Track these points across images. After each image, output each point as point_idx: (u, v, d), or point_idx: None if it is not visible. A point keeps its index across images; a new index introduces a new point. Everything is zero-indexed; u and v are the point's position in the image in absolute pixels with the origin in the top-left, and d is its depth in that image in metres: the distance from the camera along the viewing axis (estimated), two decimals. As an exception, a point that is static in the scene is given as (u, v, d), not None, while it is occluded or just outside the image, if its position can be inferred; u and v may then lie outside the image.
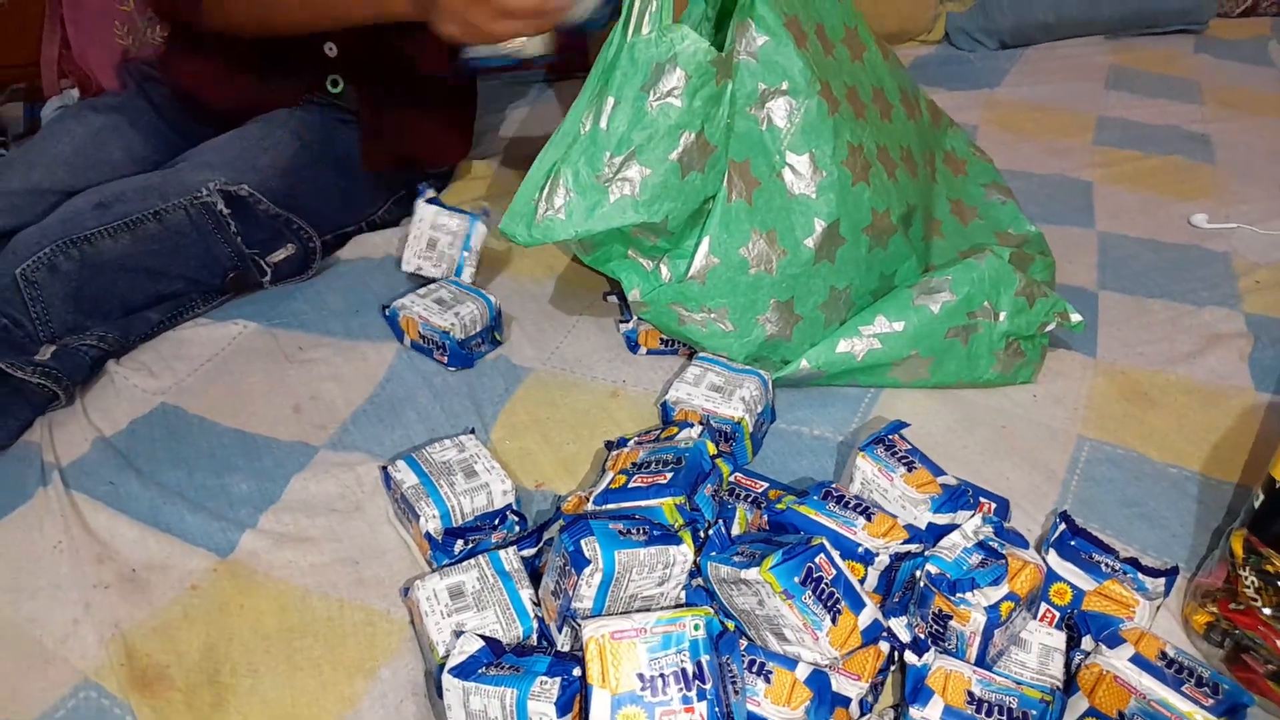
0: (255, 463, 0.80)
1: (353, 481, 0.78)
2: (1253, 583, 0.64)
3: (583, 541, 0.58)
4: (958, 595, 0.58)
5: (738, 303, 0.84)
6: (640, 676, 0.53)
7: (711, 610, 0.55)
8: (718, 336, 0.85)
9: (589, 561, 0.57)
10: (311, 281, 1.02)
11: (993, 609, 0.58)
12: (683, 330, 0.87)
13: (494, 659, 0.57)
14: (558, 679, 0.54)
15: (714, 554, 0.61)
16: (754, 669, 0.58)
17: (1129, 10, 1.67)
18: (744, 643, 0.60)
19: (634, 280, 0.86)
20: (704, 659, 0.53)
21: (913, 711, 0.57)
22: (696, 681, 0.52)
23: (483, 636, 0.58)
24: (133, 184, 0.95)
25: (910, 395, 0.89)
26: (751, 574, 0.56)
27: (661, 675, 0.53)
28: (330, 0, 0.92)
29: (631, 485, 0.66)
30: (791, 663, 0.58)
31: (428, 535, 0.69)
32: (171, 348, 0.92)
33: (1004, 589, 0.59)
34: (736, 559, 0.59)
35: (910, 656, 0.59)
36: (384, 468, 0.75)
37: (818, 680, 0.57)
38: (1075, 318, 0.87)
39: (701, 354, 0.86)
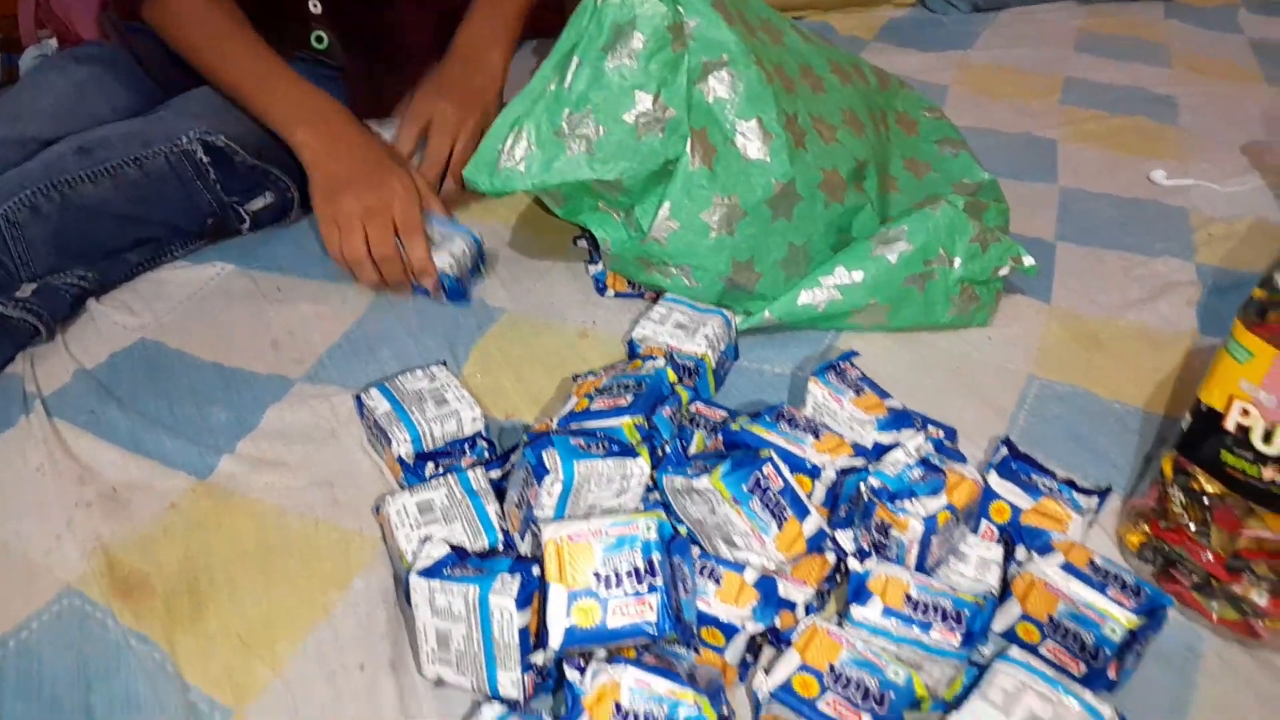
0: (233, 394, 0.83)
1: (328, 411, 0.81)
2: (1180, 500, 0.67)
3: (544, 453, 0.61)
4: (897, 504, 0.61)
5: (700, 263, 0.86)
6: (595, 574, 0.56)
7: (664, 515, 0.59)
8: (682, 289, 0.89)
9: (549, 471, 0.60)
10: (290, 227, 1.04)
11: (930, 518, 0.61)
12: (650, 279, 0.89)
13: (459, 562, 0.60)
14: (518, 576, 0.57)
15: (670, 468, 0.64)
16: (705, 573, 0.61)
17: (1101, -25, 1.69)
18: (696, 550, 0.63)
19: (605, 231, 0.89)
20: (655, 557, 0.56)
21: (854, 611, 0.61)
22: (648, 577, 0.56)
23: (449, 544, 0.61)
24: (115, 130, 0.96)
25: (869, 336, 0.92)
26: (702, 483, 0.60)
27: (615, 572, 0.56)
28: (245, 95, 0.98)
29: (594, 408, 0.69)
30: (740, 567, 0.61)
31: (400, 459, 0.72)
32: (151, 287, 0.94)
33: (942, 500, 0.62)
34: (690, 471, 0.62)
35: (853, 563, 0.63)
36: (357, 396, 0.78)
37: (765, 584, 0.61)
38: (1028, 261, 0.91)
39: (668, 295, 0.89)
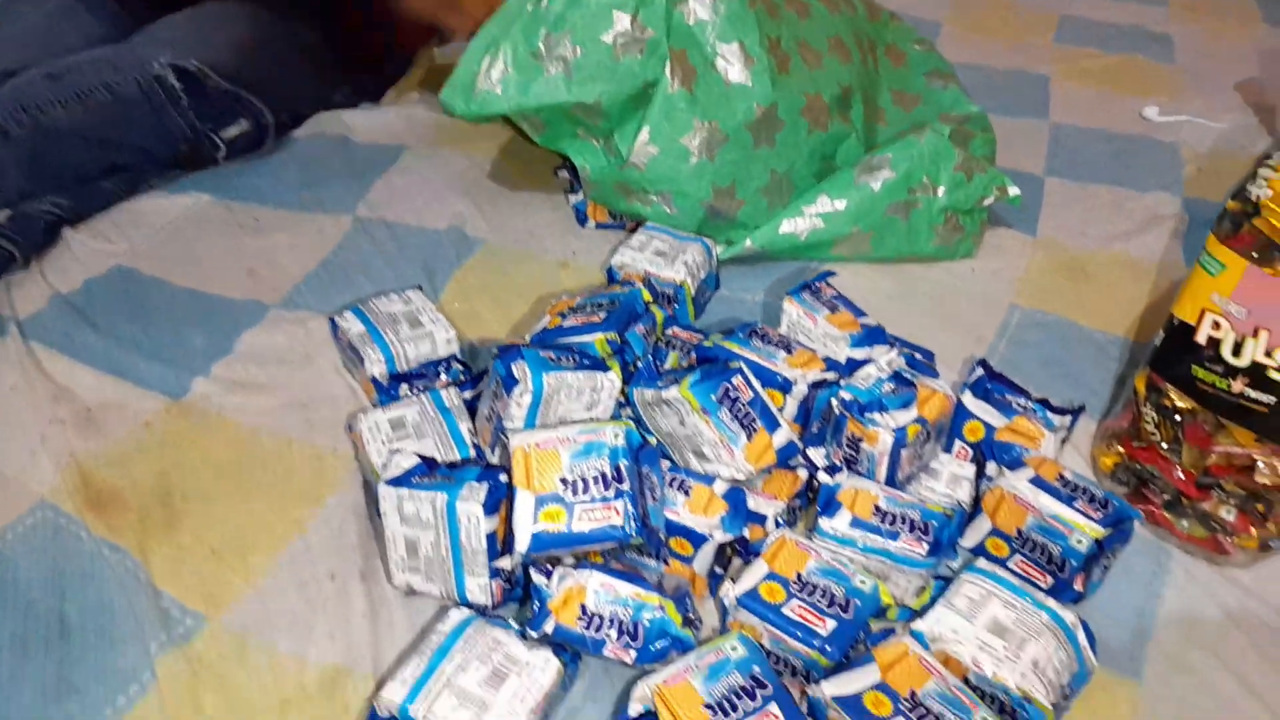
0: (208, 319, 0.82)
1: (303, 335, 0.81)
2: (1152, 418, 0.67)
3: (513, 365, 0.60)
4: (867, 417, 0.61)
5: (680, 189, 0.85)
6: (562, 480, 0.56)
7: (632, 423, 0.59)
8: (662, 217, 0.88)
9: (518, 382, 0.60)
10: (267, 158, 1.03)
11: (900, 430, 0.61)
12: (630, 208, 0.89)
13: (427, 471, 0.60)
14: (486, 483, 0.57)
15: (641, 382, 0.63)
16: (674, 484, 0.61)
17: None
18: (666, 463, 0.63)
19: (584, 158, 0.88)
20: (623, 464, 0.56)
21: (822, 522, 0.61)
22: (615, 483, 0.56)
23: (418, 454, 0.61)
24: (85, 57, 0.95)
25: (852, 267, 0.91)
26: (671, 393, 0.60)
27: (582, 478, 0.56)
28: None
29: (566, 325, 0.69)
30: (710, 480, 0.61)
31: (373, 379, 0.72)
32: (127, 216, 0.94)
33: (912, 413, 0.62)
34: (660, 383, 0.62)
35: (824, 476, 0.63)
36: (332, 318, 0.77)
37: (734, 496, 0.61)
38: (1013, 191, 0.90)
39: (649, 223, 0.88)
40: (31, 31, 1.03)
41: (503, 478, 0.58)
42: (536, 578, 0.56)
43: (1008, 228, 0.97)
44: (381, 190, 0.98)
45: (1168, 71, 1.29)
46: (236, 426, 0.73)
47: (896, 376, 0.64)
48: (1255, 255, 0.57)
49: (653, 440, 0.59)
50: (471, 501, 0.56)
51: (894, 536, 0.60)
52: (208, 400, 0.74)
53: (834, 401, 0.63)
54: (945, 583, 0.60)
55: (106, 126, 0.92)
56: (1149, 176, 1.06)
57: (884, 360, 0.65)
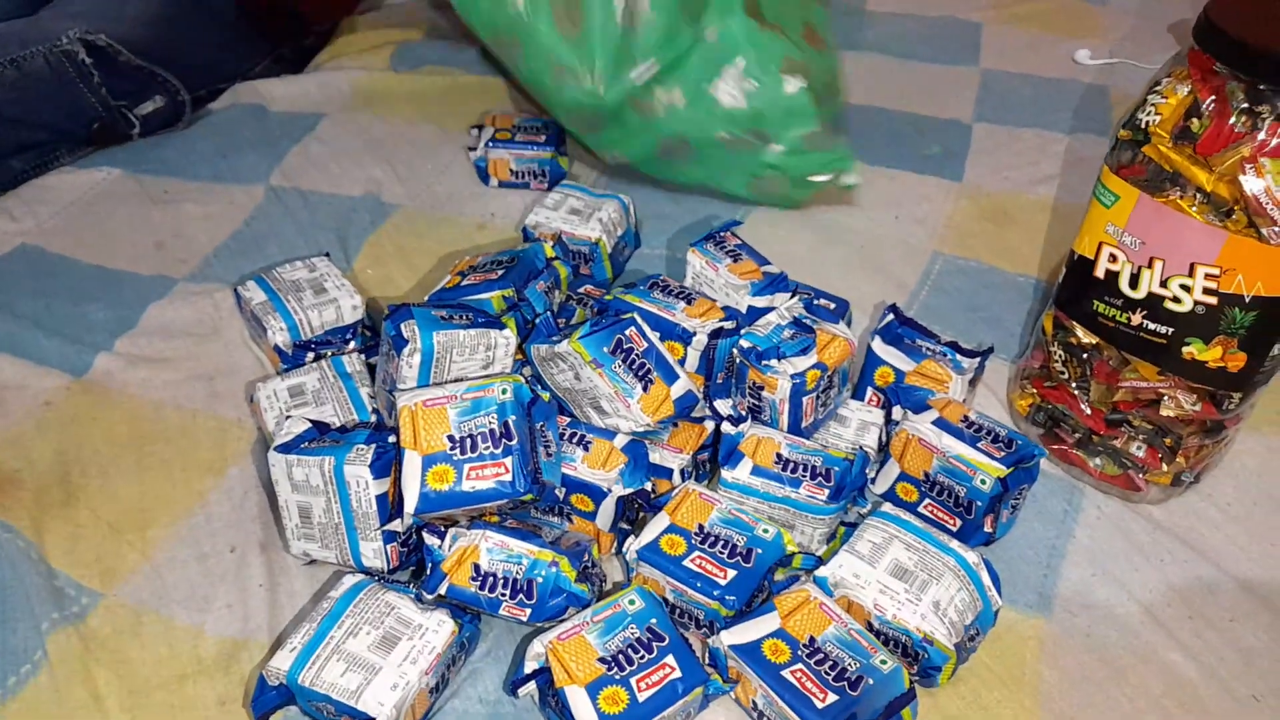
0: (113, 294, 0.80)
1: (210, 308, 0.79)
2: (1060, 357, 0.67)
3: (402, 325, 0.59)
4: (765, 364, 0.60)
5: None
6: (450, 438, 0.55)
7: (522, 378, 0.58)
8: (567, 45, 0.83)
9: (408, 342, 0.58)
10: (182, 132, 1.00)
11: (798, 375, 0.60)
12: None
13: (317, 437, 0.59)
14: (373, 445, 0.56)
15: (538, 338, 0.62)
16: (574, 440, 0.60)
17: None
18: (565, 420, 0.62)
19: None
20: (511, 420, 0.55)
21: (724, 473, 0.60)
22: (504, 440, 0.55)
23: (311, 420, 0.60)
24: None
25: (774, 217, 0.90)
26: (563, 346, 0.59)
27: (470, 436, 0.55)
28: None
29: (464, 284, 0.67)
30: (611, 434, 0.60)
31: (277, 348, 0.71)
32: (34, 193, 0.91)
33: (812, 358, 0.61)
34: (553, 339, 0.61)
35: (727, 427, 0.62)
36: (235, 288, 0.75)
37: (634, 449, 0.60)
38: (849, 180, 0.88)
39: (565, 182, 0.87)
40: None
41: (391, 439, 0.56)
42: (429, 539, 0.55)
43: (934, 175, 0.96)
44: (297, 159, 0.96)
45: (1099, 13, 1.27)
46: (139, 401, 0.71)
47: (796, 323, 0.63)
48: (1146, 183, 0.57)
49: (546, 396, 0.58)
50: (359, 464, 0.55)
51: (796, 484, 0.59)
52: (110, 376, 0.73)
53: (734, 350, 0.62)
54: (854, 529, 0.60)
55: (15, 104, 0.90)
56: (1075, 119, 1.05)
57: (785, 308, 0.64)
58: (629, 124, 0.86)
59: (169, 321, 0.78)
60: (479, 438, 0.55)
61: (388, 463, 0.56)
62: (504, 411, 0.55)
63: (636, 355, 0.59)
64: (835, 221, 0.90)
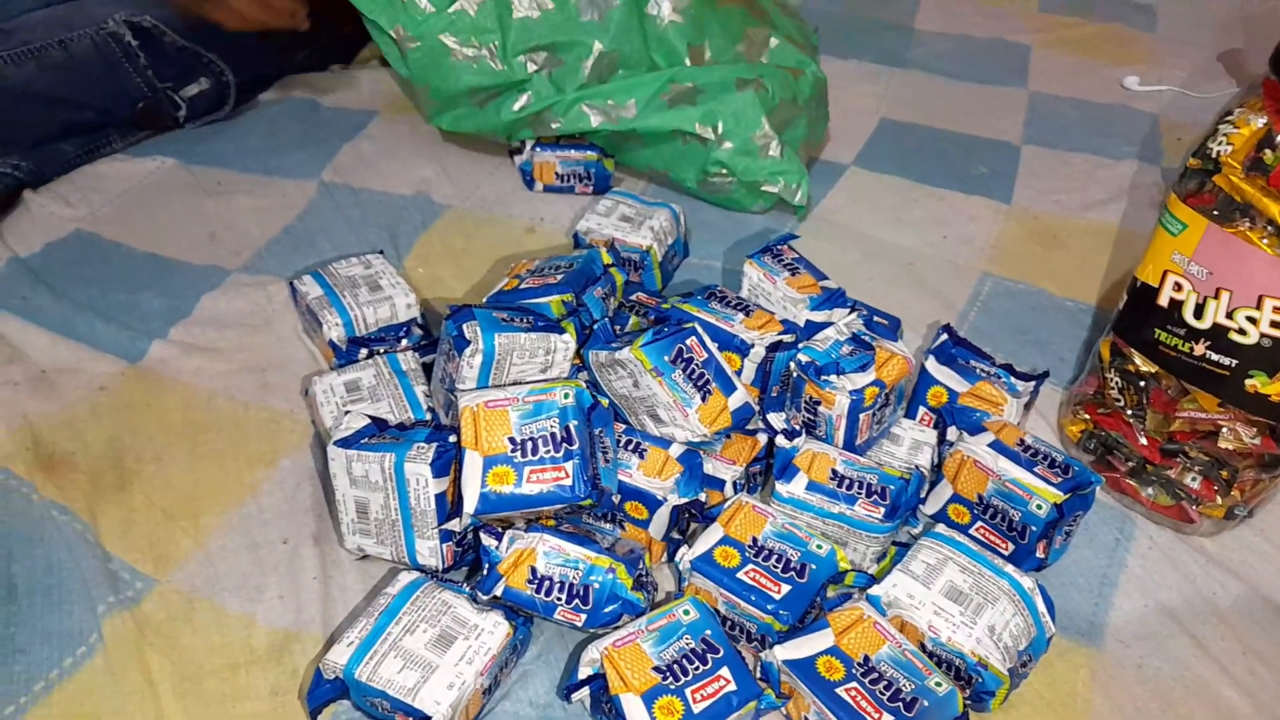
0: (168, 283, 0.81)
1: (263, 299, 0.79)
2: (1116, 384, 0.67)
3: (465, 325, 0.59)
4: (824, 379, 0.60)
5: (508, 40, 0.85)
6: (511, 440, 0.55)
7: (583, 383, 0.58)
8: (488, 74, 0.86)
9: (469, 343, 0.59)
10: (232, 123, 1.01)
11: (857, 392, 0.60)
12: (453, 73, 0.86)
13: (377, 433, 0.59)
14: (434, 444, 0.56)
15: (596, 344, 0.62)
16: (630, 447, 0.60)
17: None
18: (621, 426, 0.62)
19: (393, 16, 0.85)
20: (572, 424, 0.55)
21: (779, 486, 0.60)
22: (564, 444, 0.55)
23: (370, 416, 0.60)
24: (37, 15, 0.93)
25: (821, 231, 0.90)
26: (624, 354, 0.59)
27: (531, 439, 0.55)
28: None
29: (523, 287, 0.68)
30: (666, 443, 0.60)
31: (331, 343, 0.71)
32: (88, 180, 0.92)
33: (870, 375, 0.61)
34: (613, 345, 0.61)
35: (782, 440, 0.62)
36: (290, 281, 0.76)
37: (690, 459, 0.60)
38: (797, 198, 0.88)
39: (616, 189, 0.87)
40: None
41: (451, 439, 0.57)
42: (486, 540, 0.56)
43: (982, 195, 0.96)
44: (348, 156, 0.97)
45: (1149, 39, 1.27)
46: (192, 390, 0.72)
47: (855, 339, 0.63)
48: (1216, 213, 0.56)
49: (605, 402, 0.58)
50: (419, 462, 0.55)
51: (851, 501, 0.59)
52: (164, 364, 0.73)
53: (792, 364, 0.62)
54: (906, 549, 0.60)
55: (61, 84, 0.91)
56: (1126, 145, 1.05)
57: (843, 323, 0.64)
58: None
59: (222, 312, 0.78)
60: (540, 441, 0.55)
61: (448, 462, 0.56)
62: (565, 416, 0.56)
63: (696, 365, 0.59)
64: (881, 239, 0.90)
